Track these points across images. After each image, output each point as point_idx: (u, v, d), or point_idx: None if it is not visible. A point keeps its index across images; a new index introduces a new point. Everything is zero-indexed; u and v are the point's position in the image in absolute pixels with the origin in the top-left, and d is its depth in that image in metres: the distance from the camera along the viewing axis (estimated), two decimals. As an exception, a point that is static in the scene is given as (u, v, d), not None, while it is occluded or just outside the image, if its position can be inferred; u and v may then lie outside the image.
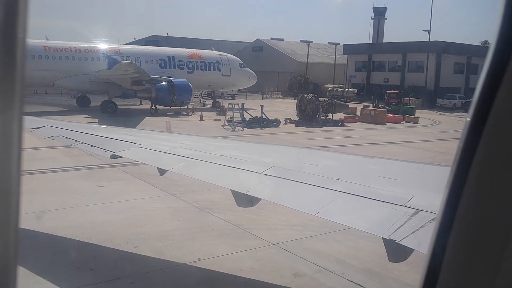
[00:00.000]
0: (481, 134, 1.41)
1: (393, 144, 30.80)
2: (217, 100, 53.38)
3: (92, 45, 48.16)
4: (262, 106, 39.59)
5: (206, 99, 58.56)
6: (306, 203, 5.67)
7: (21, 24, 1.38)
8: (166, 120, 38.94)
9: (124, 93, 44.34)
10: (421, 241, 4.05)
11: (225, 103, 44.67)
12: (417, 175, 6.33)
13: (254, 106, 43.80)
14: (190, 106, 46.01)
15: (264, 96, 74.40)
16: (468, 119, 1.47)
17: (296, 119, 40.75)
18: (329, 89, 74.58)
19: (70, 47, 46.03)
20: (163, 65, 50.00)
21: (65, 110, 44.08)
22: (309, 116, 40.09)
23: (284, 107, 51.98)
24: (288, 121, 39.97)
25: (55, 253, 10.54)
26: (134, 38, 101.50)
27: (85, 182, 17.33)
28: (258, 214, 12.24)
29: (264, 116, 38.51)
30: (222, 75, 52.54)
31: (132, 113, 44.36)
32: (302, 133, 35.04)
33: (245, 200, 6.31)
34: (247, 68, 55.29)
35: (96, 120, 36.31)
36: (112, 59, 42.74)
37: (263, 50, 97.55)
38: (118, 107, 43.80)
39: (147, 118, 39.51)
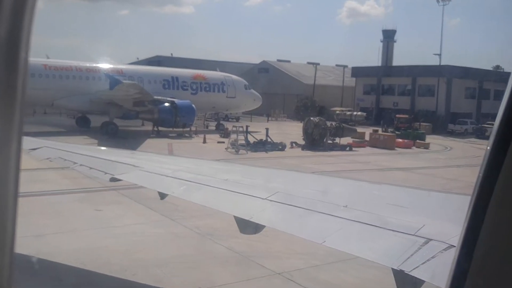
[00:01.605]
0: (502, 163, 1.38)
1: (403, 171, 30.59)
2: (221, 122, 53.04)
3: (94, 65, 47.57)
4: (267, 129, 39.50)
5: (210, 121, 58.07)
6: (312, 231, 5.54)
7: (24, 44, 1.37)
8: (168, 142, 38.70)
9: (125, 114, 43.80)
10: (433, 272, 3.91)
11: (229, 126, 44.49)
12: (428, 203, 6.22)
13: (259, 129, 43.33)
14: (193, 128, 45.71)
15: (270, 118, 73.88)
16: (489, 147, 1.45)
17: (303, 143, 40.26)
18: (337, 112, 73.79)
19: (71, 66, 45.56)
20: (166, 86, 49.40)
21: (64, 131, 43.14)
22: (316, 140, 39.78)
23: (290, 131, 51.28)
24: (294, 144, 39.51)
25: (49, 278, 10.39)
26: (137, 58, 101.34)
27: (83, 205, 17.19)
28: (262, 242, 11.94)
29: (269, 139, 38.22)
30: (227, 96, 51.99)
31: (134, 134, 43.88)
32: (308, 157, 34.66)
33: (249, 227, 6.17)
34: (252, 90, 54.74)
35: (96, 141, 35.75)
36: (114, 79, 42.22)
37: (269, 71, 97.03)
38: (119, 128, 43.28)
39: (149, 140, 39.50)
